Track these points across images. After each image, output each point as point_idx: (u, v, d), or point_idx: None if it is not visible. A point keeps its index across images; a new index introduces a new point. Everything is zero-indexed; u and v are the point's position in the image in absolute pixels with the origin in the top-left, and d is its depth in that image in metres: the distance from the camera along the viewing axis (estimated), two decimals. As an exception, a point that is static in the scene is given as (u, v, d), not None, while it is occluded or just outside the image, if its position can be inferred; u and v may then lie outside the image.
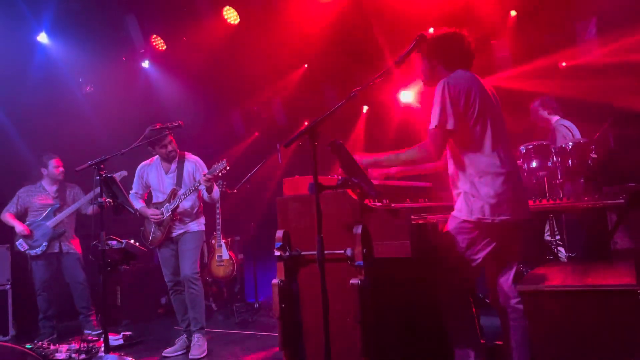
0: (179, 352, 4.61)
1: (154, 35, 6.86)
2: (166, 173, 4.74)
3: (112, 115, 6.90)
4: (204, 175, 4.40)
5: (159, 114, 6.30)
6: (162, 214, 4.59)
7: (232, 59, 7.02)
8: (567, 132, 4.94)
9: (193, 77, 7.28)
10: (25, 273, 5.99)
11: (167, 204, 4.61)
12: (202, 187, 4.52)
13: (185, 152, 4.82)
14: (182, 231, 4.67)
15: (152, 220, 4.62)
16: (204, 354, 4.50)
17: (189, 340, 4.66)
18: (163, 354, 4.58)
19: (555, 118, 5.15)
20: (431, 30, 3.01)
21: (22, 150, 6.56)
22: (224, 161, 4.36)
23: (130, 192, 4.79)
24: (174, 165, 4.73)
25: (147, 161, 4.85)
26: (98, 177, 3.62)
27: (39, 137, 6.50)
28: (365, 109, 7.84)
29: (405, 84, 6.90)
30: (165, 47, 6.95)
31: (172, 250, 4.70)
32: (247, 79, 7.64)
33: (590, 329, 2.40)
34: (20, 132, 6.56)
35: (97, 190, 3.67)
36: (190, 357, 4.46)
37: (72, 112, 6.83)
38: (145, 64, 7.26)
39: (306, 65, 7.58)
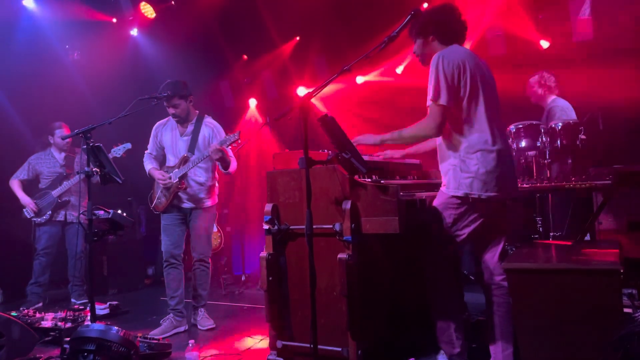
0: (167, 334, 4.21)
1: (143, 3, 6.72)
2: (181, 135, 4.43)
3: (101, 83, 6.79)
4: (214, 145, 4.10)
5: (148, 83, 6.20)
6: (170, 178, 4.30)
7: (223, 28, 6.91)
8: (562, 114, 4.92)
9: (183, 46, 7.16)
10: (14, 240, 5.99)
11: (177, 170, 4.31)
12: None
13: (205, 115, 4.50)
14: (194, 206, 4.40)
15: (160, 183, 4.33)
16: (214, 325, 4.43)
17: (177, 321, 4.36)
18: (150, 335, 4.08)
19: (550, 97, 5.09)
20: (425, 5, 2.99)
21: (12, 116, 6.44)
22: (237, 133, 4.08)
23: (146, 152, 4.59)
24: (190, 128, 4.40)
25: (163, 120, 4.56)
26: (85, 146, 3.57)
27: (27, 103, 6.39)
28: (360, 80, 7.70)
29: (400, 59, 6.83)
30: (154, 14, 6.81)
31: (177, 219, 4.42)
32: (237, 49, 7.54)
33: (573, 307, 2.44)
34: (7, 99, 6.44)
35: (85, 158, 3.61)
36: (201, 327, 4.39)
37: (60, 78, 6.71)
38: (134, 32, 7.13)
39: (298, 38, 7.49)
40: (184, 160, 4.33)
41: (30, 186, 5.68)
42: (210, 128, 4.43)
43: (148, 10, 6.78)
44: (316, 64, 7.56)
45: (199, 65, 7.37)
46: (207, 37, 7.12)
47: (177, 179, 4.29)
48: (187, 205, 4.42)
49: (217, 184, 4.60)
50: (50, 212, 5.58)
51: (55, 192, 5.60)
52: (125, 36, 7.14)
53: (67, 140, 5.72)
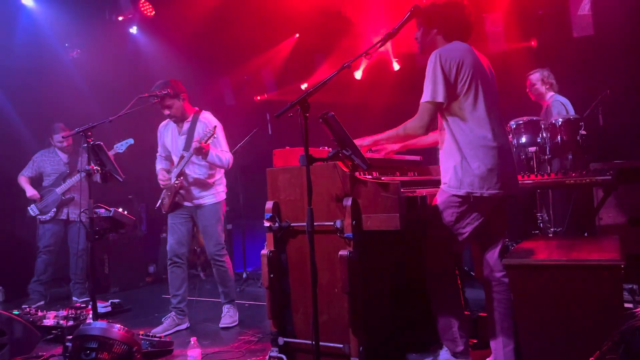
0: (169, 332, 4.24)
1: (143, 0, 6.73)
2: (179, 134, 4.41)
3: (101, 81, 6.79)
4: (194, 144, 4.10)
5: (148, 80, 6.19)
6: (169, 179, 4.30)
7: (222, 26, 6.91)
8: (561, 109, 4.93)
9: (182, 44, 7.17)
10: (15, 239, 6.01)
11: (175, 169, 4.31)
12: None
13: (202, 111, 4.44)
14: (197, 203, 4.37)
15: (160, 183, 4.35)
16: (235, 323, 4.40)
17: (178, 319, 4.37)
18: (151, 333, 4.12)
19: (550, 94, 5.13)
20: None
21: (11, 115, 6.43)
22: (214, 127, 4.09)
23: (157, 154, 4.59)
24: (186, 126, 4.36)
25: (165, 121, 4.53)
26: (85, 145, 3.57)
27: (26, 102, 6.39)
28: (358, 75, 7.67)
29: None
30: (153, 12, 6.82)
31: (183, 218, 4.41)
32: (237, 47, 7.53)
33: (574, 302, 2.45)
34: (6, 97, 6.44)
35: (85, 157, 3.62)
36: (221, 325, 4.35)
37: (60, 76, 6.71)
38: (134, 30, 7.13)
39: (297, 35, 7.49)
40: (182, 159, 4.30)
41: (34, 185, 5.74)
42: (204, 123, 4.34)
43: (147, 8, 6.77)
44: (316, 60, 7.56)
45: (198, 63, 7.38)
46: (206, 34, 7.11)
47: (175, 178, 4.27)
48: (189, 203, 4.39)
49: (222, 180, 4.54)
50: (55, 209, 5.67)
51: (59, 190, 5.69)
52: (125, 34, 7.14)
53: (69, 143, 5.81)
